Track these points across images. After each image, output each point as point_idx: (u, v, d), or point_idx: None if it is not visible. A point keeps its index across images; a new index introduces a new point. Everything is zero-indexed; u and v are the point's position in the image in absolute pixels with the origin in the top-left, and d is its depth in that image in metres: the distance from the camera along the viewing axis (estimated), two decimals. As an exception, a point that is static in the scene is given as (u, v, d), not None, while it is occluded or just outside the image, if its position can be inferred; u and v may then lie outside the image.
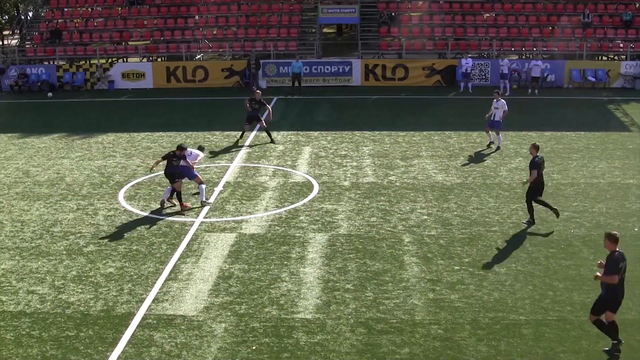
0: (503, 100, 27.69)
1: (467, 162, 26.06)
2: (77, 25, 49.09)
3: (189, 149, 22.07)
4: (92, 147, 29.38)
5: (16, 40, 53.98)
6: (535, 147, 19.57)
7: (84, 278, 16.70)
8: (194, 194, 22.37)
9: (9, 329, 14.47)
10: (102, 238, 19.21)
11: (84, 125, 33.77)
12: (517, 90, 41.34)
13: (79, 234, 19.50)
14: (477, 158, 26.52)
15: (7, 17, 71.34)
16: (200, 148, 23.79)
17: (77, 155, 28.03)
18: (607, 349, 13.09)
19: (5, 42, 61.76)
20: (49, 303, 15.56)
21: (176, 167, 20.99)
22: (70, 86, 44.32)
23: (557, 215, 19.53)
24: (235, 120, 32.11)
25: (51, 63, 46.65)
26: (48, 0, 51.81)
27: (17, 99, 42.44)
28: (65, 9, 49.99)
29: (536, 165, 19.15)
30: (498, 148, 27.75)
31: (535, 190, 19.43)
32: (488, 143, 28.24)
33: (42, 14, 51.41)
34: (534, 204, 19.59)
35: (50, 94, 42.48)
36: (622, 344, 13.02)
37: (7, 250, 18.58)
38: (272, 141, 29.17)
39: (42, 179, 25.05)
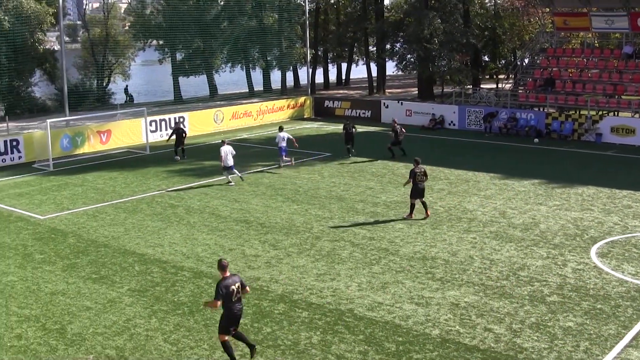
0: (225, 148, 32.28)
1: None
2: (571, 74, 49.36)
3: None
4: (571, 197, 29.09)
5: (510, 85, 55.95)
6: (415, 161, 26.55)
7: (541, 327, 16.63)
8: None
9: (460, 359, 14.97)
10: (568, 290, 18.93)
11: (566, 174, 33.62)
12: None
13: (545, 282, 19.46)
14: None
15: (503, 61, 74.44)
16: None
17: (555, 204, 27.99)
18: None
19: (500, 85, 64.31)
20: (502, 344, 15.77)
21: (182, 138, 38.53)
22: (557, 134, 44.55)
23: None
24: None
25: (541, 110, 47.47)
26: (545, 49, 52.98)
27: (504, 141, 43.89)
28: (561, 58, 50.58)
29: (411, 173, 26.20)
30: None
31: (414, 192, 26.28)
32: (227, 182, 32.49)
33: (538, 61, 52.65)
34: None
35: (536, 140, 43.23)
36: None
37: (472, 285, 19.27)
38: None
39: (517, 221, 25.51)
